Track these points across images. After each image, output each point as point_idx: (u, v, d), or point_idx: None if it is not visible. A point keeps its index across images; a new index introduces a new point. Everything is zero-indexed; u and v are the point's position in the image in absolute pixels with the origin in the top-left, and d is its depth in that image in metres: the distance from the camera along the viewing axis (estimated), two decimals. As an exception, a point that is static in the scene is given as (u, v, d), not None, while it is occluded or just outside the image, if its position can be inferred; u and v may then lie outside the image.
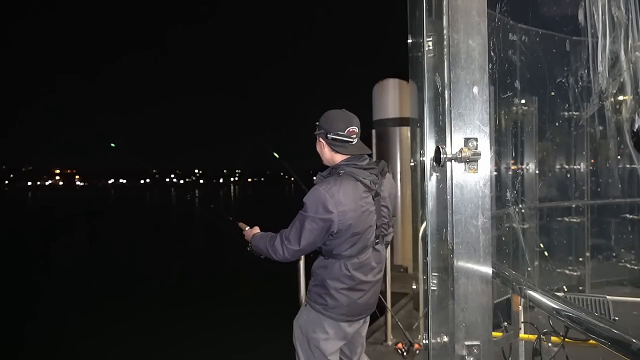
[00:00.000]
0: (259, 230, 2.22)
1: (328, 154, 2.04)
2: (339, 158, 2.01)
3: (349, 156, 1.99)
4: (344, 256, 1.93)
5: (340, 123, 1.97)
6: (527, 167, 3.88)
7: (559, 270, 4.01)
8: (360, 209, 1.90)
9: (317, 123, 2.04)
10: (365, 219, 1.92)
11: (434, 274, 1.10)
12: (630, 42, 1.50)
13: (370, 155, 2.10)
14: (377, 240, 2.02)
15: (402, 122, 6.75)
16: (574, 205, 4.10)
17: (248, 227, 2.27)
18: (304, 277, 2.96)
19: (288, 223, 1.99)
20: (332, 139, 1.96)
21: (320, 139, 2.03)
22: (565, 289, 3.91)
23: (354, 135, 1.97)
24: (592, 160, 4.16)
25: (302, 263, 2.93)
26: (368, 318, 2.22)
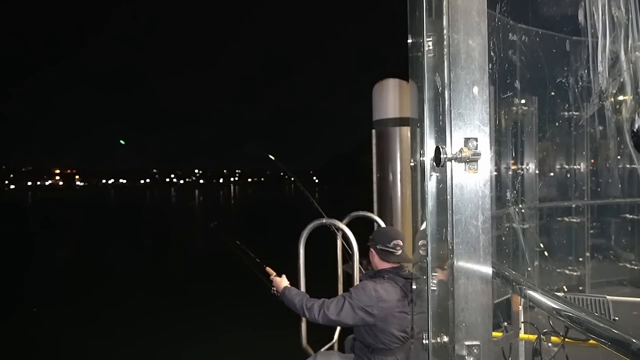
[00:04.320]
0: (286, 279, 2.59)
1: (377, 262, 2.46)
2: (385, 265, 2.43)
3: (393, 266, 2.41)
4: (387, 353, 2.29)
5: (387, 237, 2.44)
6: (527, 167, 3.88)
7: (559, 270, 4.01)
8: (397, 309, 2.27)
9: (371, 237, 2.52)
10: (400, 320, 2.28)
11: (434, 274, 1.10)
12: (630, 42, 1.50)
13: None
14: (412, 342, 2.32)
15: (402, 122, 6.73)
16: (574, 205, 4.09)
17: (275, 274, 2.63)
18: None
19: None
20: (380, 249, 2.41)
21: (372, 249, 2.48)
22: (565, 289, 3.91)
23: (398, 248, 2.39)
24: (592, 160, 4.16)
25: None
26: None
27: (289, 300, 2.44)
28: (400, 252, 2.42)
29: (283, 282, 2.57)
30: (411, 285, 2.34)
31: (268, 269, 2.69)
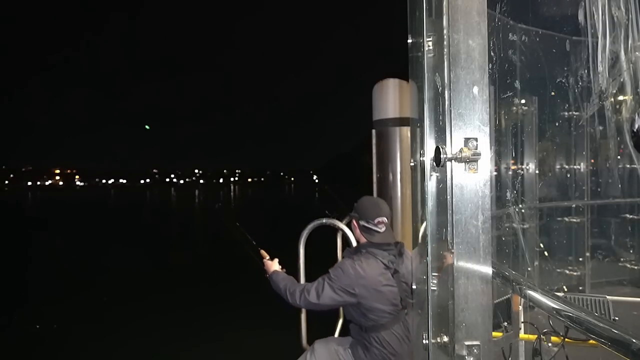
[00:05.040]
0: (277, 263, 2.55)
1: (358, 235, 2.39)
2: (364, 240, 2.34)
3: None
4: (378, 328, 2.21)
5: (370, 212, 2.31)
6: (527, 167, 3.88)
7: (559, 270, 4.00)
8: (379, 283, 2.19)
9: (355, 205, 2.41)
10: (385, 294, 2.20)
11: (434, 274, 1.10)
12: (630, 42, 1.50)
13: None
14: (405, 312, 2.29)
15: (402, 122, 6.73)
16: (574, 205, 4.09)
17: (268, 257, 2.59)
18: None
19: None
20: (363, 225, 2.31)
21: (354, 221, 2.40)
22: (565, 289, 3.91)
23: (382, 225, 2.29)
24: (592, 160, 4.15)
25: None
26: None
27: (276, 284, 2.39)
28: (383, 229, 2.31)
29: (273, 265, 2.53)
30: (395, 256, 2.29)
31: (262, 252, 2.66)
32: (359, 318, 2.26)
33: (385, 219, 2.31)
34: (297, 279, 3.05)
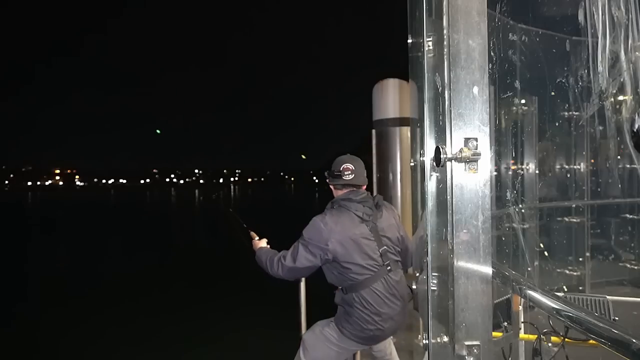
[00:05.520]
0: (265, 243, 2.46)
1: (334, 192, 2.32)
2: (338, 194, 2.28)
3: (346, 191, 2.25)
4: (357, 287, 2.10)
5: (338, 164, 2.28)
6: (527, 167, 3.88)
7: (559, 270, 4.00)
8: (353, 236, 2.08)
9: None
10: (361, 247, 2.10)
11: (434, 274, 1.10)
12: (630, 42, 1.50)
13: (368, 187, 2.37)
14: (389, 268, 2.15)
15: (402, 122, 6.73)
16: (574, 205, 4.09)
17: (257, 238, 2.53)
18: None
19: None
20: (330, 176, 2.29)
21: (327, 181, 2.35)
22: (565, 289, 3.91)
23: (348, 172, 2.24)
24: (592, 160, 4.16)
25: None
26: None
27: (259, 259, 2.31)
28: (351, 176, 2.23)
29: (260, 244, 2.44)
30: (371, 208, 2.19)
31: (252, 232, 2.58)
32: (339, 277, 2.14)
33: (352, 166, 2.24)
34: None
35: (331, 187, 2.33)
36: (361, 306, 2.07)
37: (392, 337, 2.44)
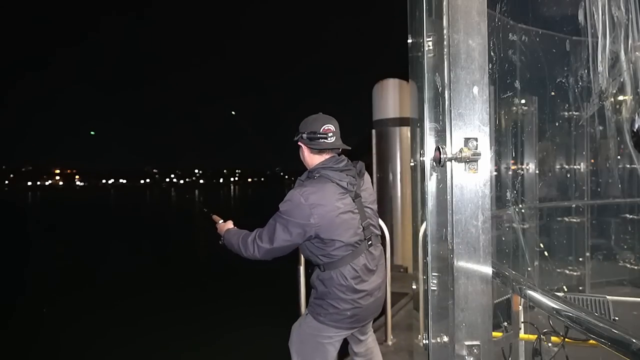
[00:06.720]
0: (232, 225, 2.20)
1: (308, 157, 2.04)
2: (317, 160, 2.00)
3: (325, 158, 1.99)
4: (337, 264, 1.91)
5: (316, 123, 1.98)
6: (527, 167, 3.88)
7: (559, 270, 4.01)
8: (338, 210, 1.86)
9: (299, 126, 2.06)
10: (347, 222, 1.90)
11: (434, 274, 1.10)
12: (630, 42, 1.50)
13: (349, 155, 2.10)
14: (369, 242, 1.98)
15: (402, 122, 6.75)
16: (574, 205, 4.10)
17: (222, 221, 2.27)
18: (304, 288, 2.96)
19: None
20: (308, 138, 1.97)
21: (300, 143, 2.04)
22: (565, 289, 3.91)
23: (330, 134, 1.96)
24: (592, 160, 4.16)
25: (302, 271, 2.95)
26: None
27: (229, 242, 2.06)
28: (332, 138, 1.97)
29: (226, 226, 2.18)
30: (354, 177, 1.97)
31: (214, 216, 2.34)
32: (317, 254, 1.93)
33: (333, 127, 1.98)
34: (297, 277, 3.01)
35: (304, 151, 2.04)
36: (338, 284, 1.90)
37: (375, 337, 2.33)
